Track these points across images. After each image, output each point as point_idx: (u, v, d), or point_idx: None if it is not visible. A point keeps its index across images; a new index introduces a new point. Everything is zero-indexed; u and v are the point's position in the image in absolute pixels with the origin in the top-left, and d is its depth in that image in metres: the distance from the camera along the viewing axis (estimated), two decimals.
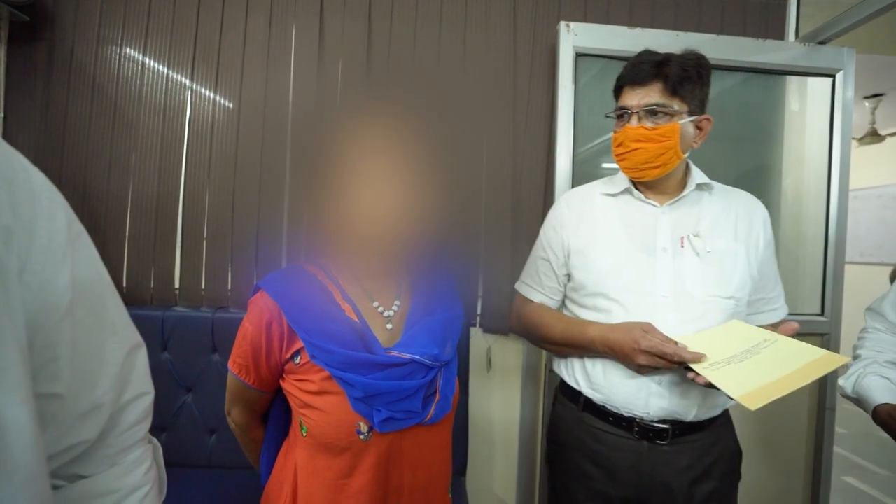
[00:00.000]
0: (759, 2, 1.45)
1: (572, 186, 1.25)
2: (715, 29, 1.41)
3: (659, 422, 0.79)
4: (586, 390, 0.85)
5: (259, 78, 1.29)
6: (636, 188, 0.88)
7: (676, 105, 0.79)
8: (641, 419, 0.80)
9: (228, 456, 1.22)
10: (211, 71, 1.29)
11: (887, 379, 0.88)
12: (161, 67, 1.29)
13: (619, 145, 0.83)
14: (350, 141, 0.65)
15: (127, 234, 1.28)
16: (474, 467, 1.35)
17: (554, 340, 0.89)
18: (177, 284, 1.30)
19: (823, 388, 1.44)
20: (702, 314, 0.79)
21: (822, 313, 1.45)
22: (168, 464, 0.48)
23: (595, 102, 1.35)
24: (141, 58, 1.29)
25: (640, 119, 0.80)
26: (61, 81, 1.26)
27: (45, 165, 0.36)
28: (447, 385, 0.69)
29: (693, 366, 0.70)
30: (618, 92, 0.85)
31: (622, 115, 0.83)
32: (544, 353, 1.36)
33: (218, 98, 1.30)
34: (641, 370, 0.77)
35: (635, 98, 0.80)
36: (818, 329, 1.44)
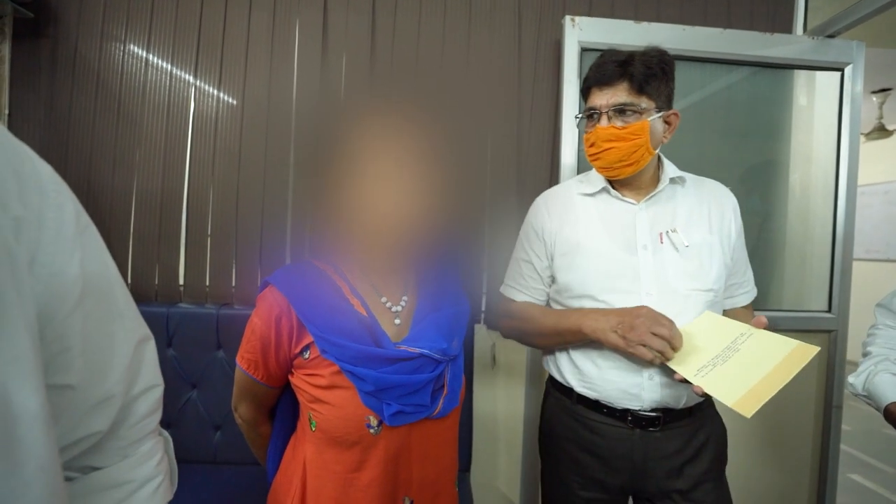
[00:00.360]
0: None
1: None
2: (722, 22, 1.40)
3: (651, 411, 0.81)
4: (579, 388, 0.86)
5: (262, 74, 1.29)
6: (613, 187, 0.89)
7: (644, 103, 0.80)
8: (635, 411, 0.82)
9: (233, 452, 1.23)
10: (214, 67, 1.29)
11: None
12: (164, 64, 1.29)
13: (591, 145, 0.85)
14: (354, 137, 0.65)
15: (131, 230, 1.28)
16: (478, 463, 1.35)
17: (544, 332, 0.89)
18: (181, 281, 1.30)
19: (830, 387, 1.43)
20: (683, 308, 0.80)
21: (830, 310, 1.44)
22: None
23: None
24: (144, 54, 1.28)
25: (609, 119, 0.81)
26: (65, 78, 1.26)
27: (49, 162, 0.35)
28: (454, 379, 0.69)
29: (683, 374, 0.71)
30: (586, 93, 0.87)
31: (591, 115, 0.84)
32: None
33: (221, 94, 1.30)
34: (635, 351, 0.74)
35: (603, 98, 0.81)
36: (825, 326, 1.43)
